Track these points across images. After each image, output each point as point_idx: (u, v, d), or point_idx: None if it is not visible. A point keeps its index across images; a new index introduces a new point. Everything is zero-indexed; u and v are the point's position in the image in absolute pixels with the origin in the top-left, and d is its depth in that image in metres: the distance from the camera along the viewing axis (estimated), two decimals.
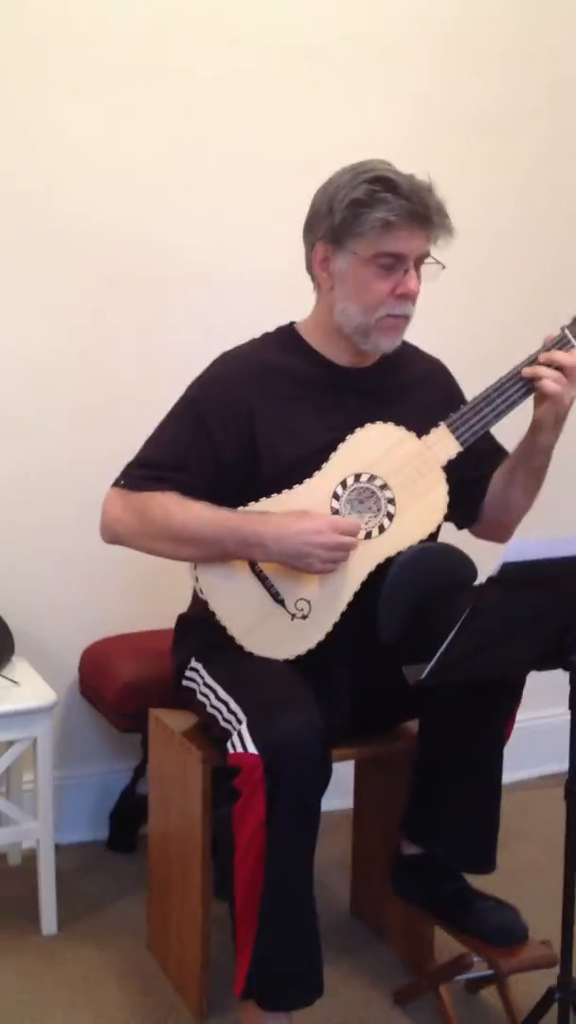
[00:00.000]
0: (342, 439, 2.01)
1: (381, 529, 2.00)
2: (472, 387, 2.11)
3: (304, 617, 1.98)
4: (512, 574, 1.59)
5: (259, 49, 2.71)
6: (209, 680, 2.02)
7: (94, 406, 2.67)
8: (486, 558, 1.77)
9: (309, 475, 1.99)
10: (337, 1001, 2.15)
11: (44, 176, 2.58)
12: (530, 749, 2.86)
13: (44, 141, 2.57)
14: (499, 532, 2.20)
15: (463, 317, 2.93)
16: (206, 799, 2.07)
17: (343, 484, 1.99)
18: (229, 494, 1.99)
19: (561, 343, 2.03)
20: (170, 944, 2.25)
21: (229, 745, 1.86)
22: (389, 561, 1.98)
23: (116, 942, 2.37)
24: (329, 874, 2.57)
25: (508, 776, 2.11)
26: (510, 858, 2.29)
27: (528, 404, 2.05)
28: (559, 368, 1.99)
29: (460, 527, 2.21)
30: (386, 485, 2.00)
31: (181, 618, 2.20)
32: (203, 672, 2.05)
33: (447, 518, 2.07)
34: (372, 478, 2.00)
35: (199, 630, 2.08)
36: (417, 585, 1.98)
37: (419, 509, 2.01)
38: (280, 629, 1.98)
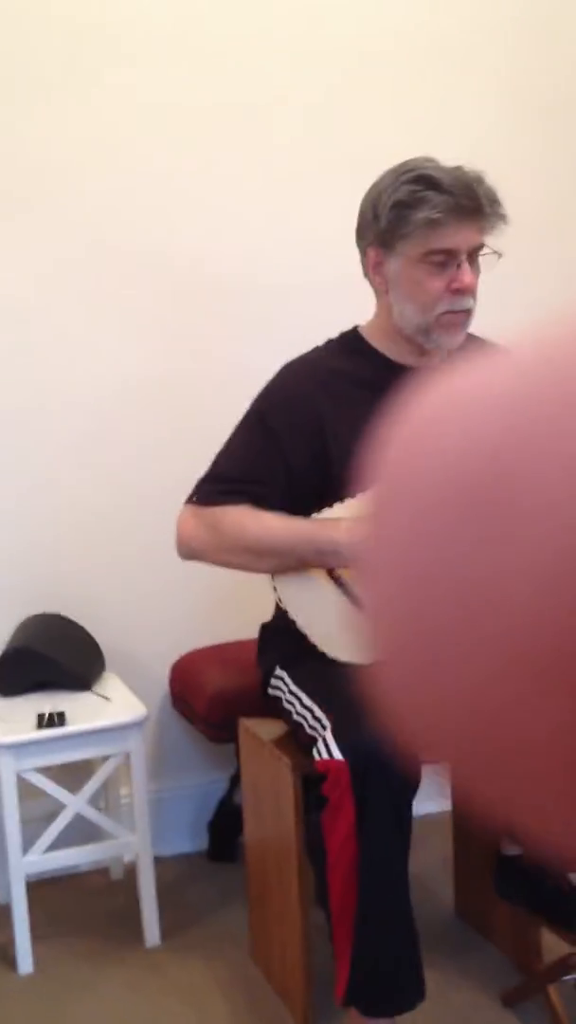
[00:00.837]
0: None
1: None
2: None
3: None
4: None
5: (331, 52, 2.71)
6: (293, 687, 2.02)
7: (171, 422, 2.69)
8: None
9: None
10: (444, 1004, 2.13)
11: (115, 194, 2.61)
12: None
13: (114, 156, 2.60)
14: None
15: (526, 303, 2.89)
16: (298, 807, 2.06)
17: None
18: (302, 502, 1.99)
19: None
20: (272, 952, 2.25)
21: (315, 751, 1.86)
22: None
23: (219, 951, 2.38)
24: (433, 876, 2.55)
25: None
26: None
27: None
28: None
29: None
30: None
31: (264, 627, 2.20)
32: (287, 679, 2.05)
33: None
34: None
35: (282, 638, 2.08)
36: None
37: None
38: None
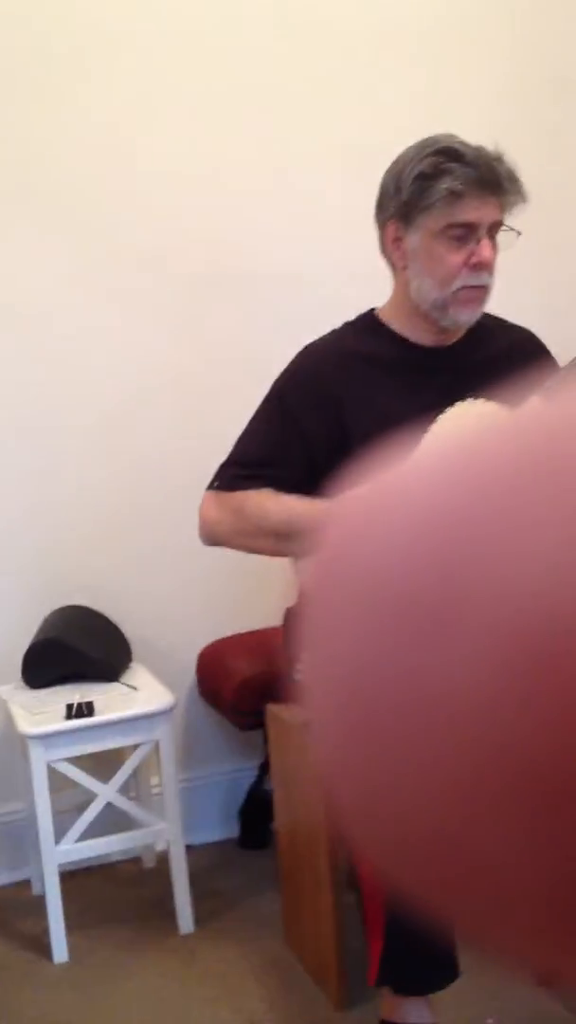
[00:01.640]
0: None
1: None
2: (567, 357, 2.07)
3: None
4: None
5: (341, 38, 2.71)
6: None
7: (189, 411, 2.70)
8: None
9: None
10: (478, 982, 2.13)
11: (120, 189, 2.62)
12: None
13: (120, 151, 2.61)
14: None
15: (554, 285, 2.88)
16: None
17: None
18: (323, 485, 1.99)
19: None
20: (306, 937, 2.26)
21: None
22: None
23: (253, 937, 2.39)
24: None
25: None
26: None
27: None
28: None
29: None
30: None
31: (289, 611, 2.21)
32: None
33: None
34: None
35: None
36: None
37: None
38: None
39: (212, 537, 2.07)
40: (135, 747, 2.40)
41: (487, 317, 2.07)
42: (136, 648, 2.61)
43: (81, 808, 2.40)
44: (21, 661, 2.51)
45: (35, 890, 2.60)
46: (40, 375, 2.63)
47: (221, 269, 2.69)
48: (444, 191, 1.90)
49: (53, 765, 2.32)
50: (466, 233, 1.93)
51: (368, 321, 2.10)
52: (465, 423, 1.98)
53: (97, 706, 2.36)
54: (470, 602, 0.32)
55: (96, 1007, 2.20)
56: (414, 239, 1.97)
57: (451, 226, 1.93)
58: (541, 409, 0.37)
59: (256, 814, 2.76)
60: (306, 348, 2.09)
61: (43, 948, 2.39)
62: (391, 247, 2.02)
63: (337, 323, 2.12)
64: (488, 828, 0.33)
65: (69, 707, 2.34)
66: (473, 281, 1.96)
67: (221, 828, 2.81)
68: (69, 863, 2.41)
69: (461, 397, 1.99)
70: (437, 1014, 1.90)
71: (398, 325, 2.07)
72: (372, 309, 2.12)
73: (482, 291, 1.99)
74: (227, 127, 2.66)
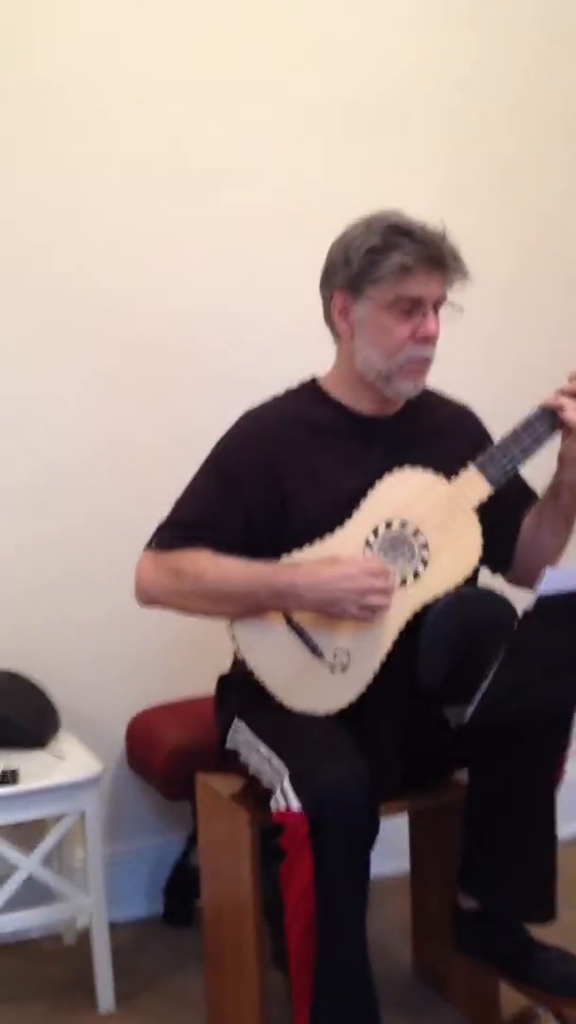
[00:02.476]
0: (371, 487, 2.00)
1: (416, 575, 1.98)
2: (500, 429, 2.11)
3: (343, 669, 1.96)
4: (548, 606, 1.57)
5: (286, 108, 2.77)
6: (251, 737, 2.00)
7: (125, 472, 2.69)
8: (525, 598, 1.75)
9: (340, 525, 1.98)
10: None
11: (70, 250, 2.63)
12: None
13: (76, 209, 2.63)
14: (531, 578, 2.14)
15: (489, 361, 2.94)
16: (255, 862, 2.03)
17: (375, 532, 1.98)
18: (261, 549, 1.99)
19: None
20: (228, 1016, 2.20)
21: (272, 802, 1.84)
22: (426, 607, 1.97)
23: (175, 1017, 2.32)
24: (390, 938, 2.51)
25: (566, 828, 2.06)
26: (573, 910, 2.23)
27: (557, 444, 2.04)
28: None
29: (493, 572, 2.19)
30: (418, 531, 1.99)
31: (222, 679, 2.19)
32: (245, 730, 2.03)
33: (480, 562, 2.05)
34: (404, 524, 1.99)
35: (240, 689, 2.06)
36: (456, 630, 1.95)
37: (454, 553, 2.00)
38: (319, 682, 1.96)
39: (148, 597, 2.06)
40: (59, 817, 2.35)
41: (426, 391, 2.11)
42: (65, 715, 2.56)
43: (1, 880, 2.33)
44: None
45: None
46: None
47: (163, 334, 2.70)
48: (395, 265, 1.95)
49: None
50: (413, 307, 1.98)
51: (310, 388, 2.13)
52: (401, 492, 2.00)
53: (22, 774, 2.30)
54: None
55: None
56: (362, 310, 2.01)
57: (399, 299, 1.98)
58: None
59: (181, 889, 2.69)
60: (247, 413, 2.11)
61: None
62: (338, 317, 2.05)
63: (278, 389, 2.15)
64: None
65: None
66: (418, 353, 2.01)
67: (145, 904, 2.74)
68: None
69: (398, 466, 2.02)
70: None
71: (340, 393, 2.10)
72: (314, 377, 2.14)
73: (425, 363, 2.04)
74: (173, 196, 2.69)
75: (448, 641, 1.95)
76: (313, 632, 1.95)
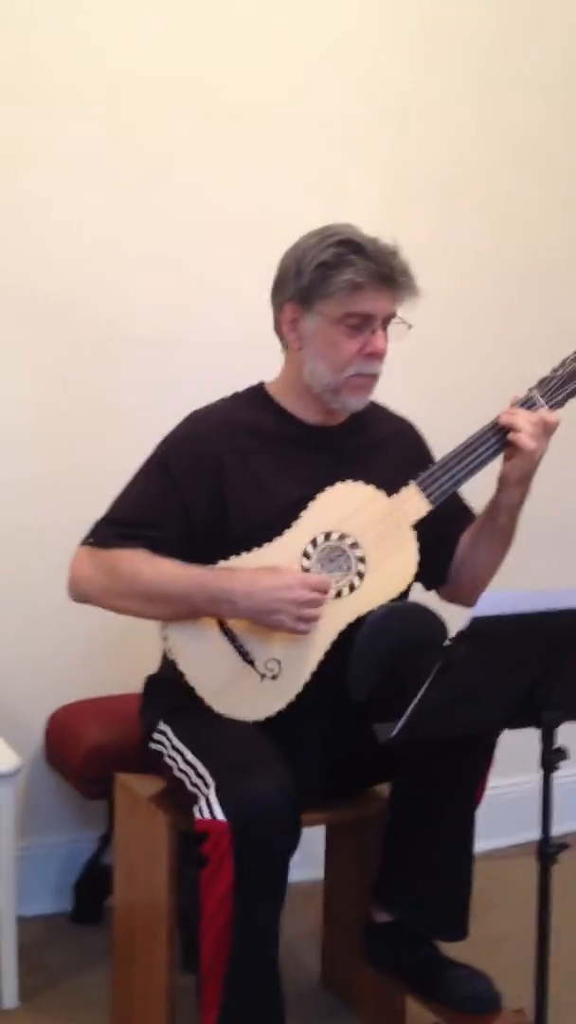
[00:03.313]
0: (312, 497, 2.00)
1: (352, 588, 1.99)
2: (441, 448, 2.12)
3: (274, 677, 1.96)
4: (482, 628, 1.58)
5: (231, 115, 2.75)
6: (177, 743, 1.99)
7: (60, 467, 2.66)
8: (458, 616, 1.76)
9: (279, 533, 1.98)
10: None
11: (9, 240, 2.59)
12: (504, 817, 2.82)
13: (10, 205, 2.59)
14: (465, 595, 2.18)
15: (433, 378, 2.96)
16: (172, 866, 2.03)
17: (313, 543, 1.98)
18: (199, 552, 1.98)
19: (528, 404, 2.04)
20: (135, 1017, 2.18)
21: (196, 811, 1.83)
22: (359, 620, 1.97)
23: (79, 1016, 2.30)
24: (300, 945, 2.52)
25: (482, 845, 2.09)
26: (484, 927, 2.25)
27: (495, 466, 2.06)
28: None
29: (428, 588, 2.21)
30: (356, 544, 2.00)
31: (150, 679, 2.17)
32: (171, 734, 2.02)
33: (416, 578, 2.06)
34: (342, 537, 1.99)
35: (168, 691, 2.05)
36: (387, 644, 1.96)
37: (389, 568, 2.01)
38: (249, 690, 1.95)
39: (80, 593, 2.03)
40: None
41: (371, 404, 2.12)
42: None
43: None
44: None
45: None
46: None
47: (106, 332, 2.67)
48: (346, 282, 1.95)
49: None
50: (362, 323, 1.99)
51: (256, 394, 2.13)
52: (341, 504, 2.01)
53: None
54: None
55: None
56: (311, 323, 2.01)
57: (349, 315, 1.98)
58: None
59: (92, 888, 2.67)
60: (192, 414, 2.10)
61: None
62: (287, 327, 2.05)
63: (222, 391, 2.14)
64: None
65: None
66: (365, 369, 2.02)
67: (54, 900, 2.71)
68: None
69: (340, 478, 2.02)
70: None
71: (286, 401, 2.10)
72: (261, 383, 2.14)
73: (372, 379, 2.05)
74: (125, 191, 2.67)
75: (379, 655, 1.96)
76: (246, 639, 1.95)
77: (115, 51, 2.64)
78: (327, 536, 1.99)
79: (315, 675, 1.96)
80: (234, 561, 1.96)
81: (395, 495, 2.03)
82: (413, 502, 2.02)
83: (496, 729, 1.95)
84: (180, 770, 1.95)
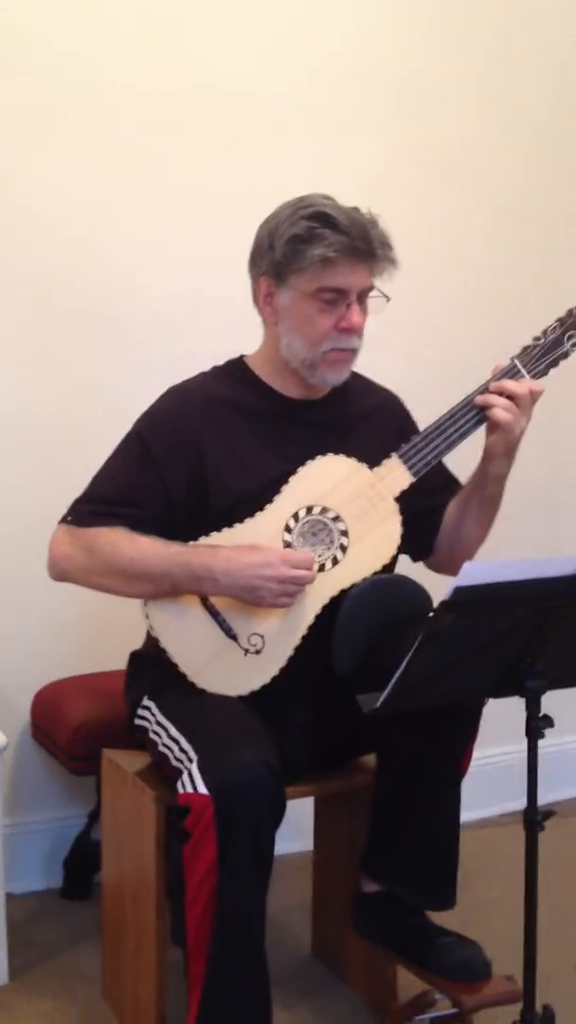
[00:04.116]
0: (293, 471, 1.99)
1: (335, 562, 1.98)
2: (424, 418, 2.11)
3: (257, 652, 1.95)
4: (465, 598, 1.58)
5: (220, 95, 2.73)
6: (161, 718, 1.99)
7: (43, 445, 2.65)
8: (442, 589, 1.76)
9: (260, 508, 1.97)
10: None
11: (7, 217, 2.57)
12: (491, 786, 2.84)
13: (12, 180, 2.57)
14: (454, 564, 2.17)
15: (420, 350, 2.95)
16: (159, 840, 2.03)
17: (295, 517, 1.98)
18: (179, 528, 1.97)
19: (511, 373, 2.04)
20: (125, 991, 2.19)
21: (179, 784, 1.83)
22: (343, 593, 1.97)
23: (70, 991, 2.31)
24: (290, 916, 2.53)
25: (469, 814, 2.10)
26: (473, 896, 2.27)
27: (481, 434, 2.05)
28: (509, 397, 2.00)
29: (415, 559, 2.20)
30: (339, 517, 1.99)
31: (134, 655, 2.17)
32: (155, 710, 2.02)
33: (402, 550, 2.06)
34: (324, 510, 1.99)
35: (152, 667, 2.05)
36: (371, 616, 1.96)
37: (372, 541, 2.00)
38: (233, 665, 1.95)
39: (60, 572, 2.02)
40: None
41: (353, 376, 2.10)
42: None
43: None
44: None
45: None
46: None
47: (86, 308, 2.65)
48: (316, 257, 1.92)
49: None
50: (337, 297, 1.97)
51: (236, 367, 2.11)
52: (323, 477, 2.00)
53: None
54: None
55: None
56: (286, 297, 1.99)
57: (322, 290, 1.96)
58: None
59: (81, 864, 2.67)
60: (170, 389, 2.08)
61: None
62: (263, 301, 2.04)
63: (203, 366, 2.12)
64: None
65: None
66: (342, 344, 2.00)
67: (44, 877, 2.72)
68: None
69: (321, 451, 2.01)
70: None
71: (265, 375, 2.08)
72: (242, 356, 2.12)
73: (350, 353, 2.03)
74: (108, 169, 2.64)
75: (363, 627, 1.96)
76: (228, 615, 1.94)
77: (107, 37, 2.62)
78: (309, 510, 1.98)
79: (299, 649, 1.95)
80: (215, 537, 1.95)
81: (377, 468, 2.02)
82: (395, 474, 2.01)
83: (481, 699, 1.95)
84: (164, 745, 1.95)
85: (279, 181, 2.16)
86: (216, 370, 2.12)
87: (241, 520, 1.96)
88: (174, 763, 1.90)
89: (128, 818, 2.14)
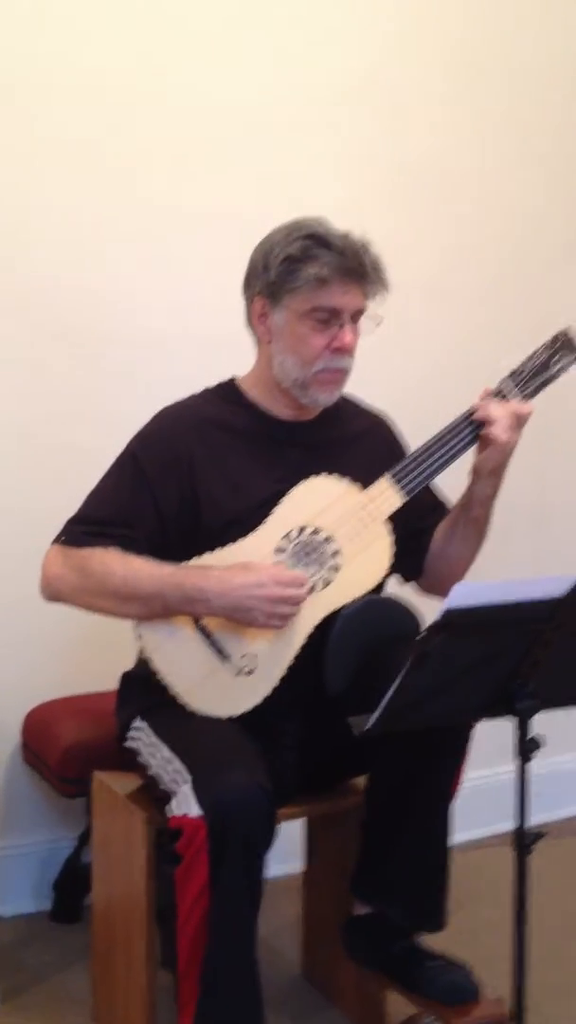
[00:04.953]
0: (284, 492, 2.00)
1: (326, 583, 1.99)
2: (416, 438, 2.12)
3: (249, 673, 1.96)
4: (455, 619, 1.59)
5: (211, 112, 2.75)
6: (153, 738, 1.99)
7: (34, 462, 2.65)
8: (435, 608, 1.76)
9: (252, 529, 1.98)
10: None
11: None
12: (481, 808, 2.84)
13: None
14: (442, 586, 2.18)
15: (409, 368, 2.96)
16: (150, 863, 2.02)
17: (287, 538, 1.99)
18: (172, 549, 1.98)
19: (500, 395, 2.05)
20: (115, 1014, 2.18)
21: (171, 806, 1.83)
22: (334, 615, 1.97)
23: (60, 1014, 2.30)
24: (280, 938, 2.52)
25: (460, 836, 2.09)
26: (463, 917, 2.26)
27: (470, 456, 2.07)
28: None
29: (405, 580, 2.21)
30: (330, 538, 2.00)
31: (126, 676, 2.17)
32: (147, 730, 2.02)
33: (392, 571, 2.07)
34: (316, 531, 1.99)
35: (144, 688, 2.05)
36: (362, 637, 1.97)
37: (363, 562, 2.01)
38: (225, 686, 1.95)
39: (53, 592, 2.03)
40: None
41: (344, 399, 2.12)
42: None
43: None
44: None
45: None
46: None
47: (78, 329, 2.66)
48: (311, 276, 1.95)
49: None
50: (330, 317, 1.99)
51: (228, 389, 2.12)
52: (314, 498, 2.01)
53: None
54: None
55: None
56: (279, 317, 2.01)
57: (316, 309, 1.98)
58: None
59: (71, 887, 2.66)
60: (162, 411, 2.09)
61: None
62: (256, 321, 2.06)
63: (195, 388, 2.13)
64: None
65: None
66: (334, 364, 2.02)
67: (33, 900, 2.70)
68: None
69: (313, 472, 2.02)
70: None
71: (257, 396, 2.10)
72: (233, 378, 2.14)
73: (341, 374, 2.04)
74: (102, 189, 2.66)
75: (354, 648, 1.97)
76: (220, 636, 1.95)
77: (93, 45, 2.63)
78: (300, 531, 1.99)
79: (290, 670, 1.96)
80: (207, 558, 1.96)
81: (368, 489, 2.03)
82: (387, 495, 2.02)
83: (471, 720, 1.96)
84: (157, 766, 1.95)
85: (274, 203, 2.19)
86: (208, 392, 2.13)
87: (233, 541, 1.97)
88: (165, 785, 1.90)
89: (119, 840, 2.14)
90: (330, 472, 2.03)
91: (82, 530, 2.01)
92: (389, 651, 1.90)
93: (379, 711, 1.66)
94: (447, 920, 2.04)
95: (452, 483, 2.13)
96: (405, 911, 2.03)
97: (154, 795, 1.98)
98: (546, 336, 2.08)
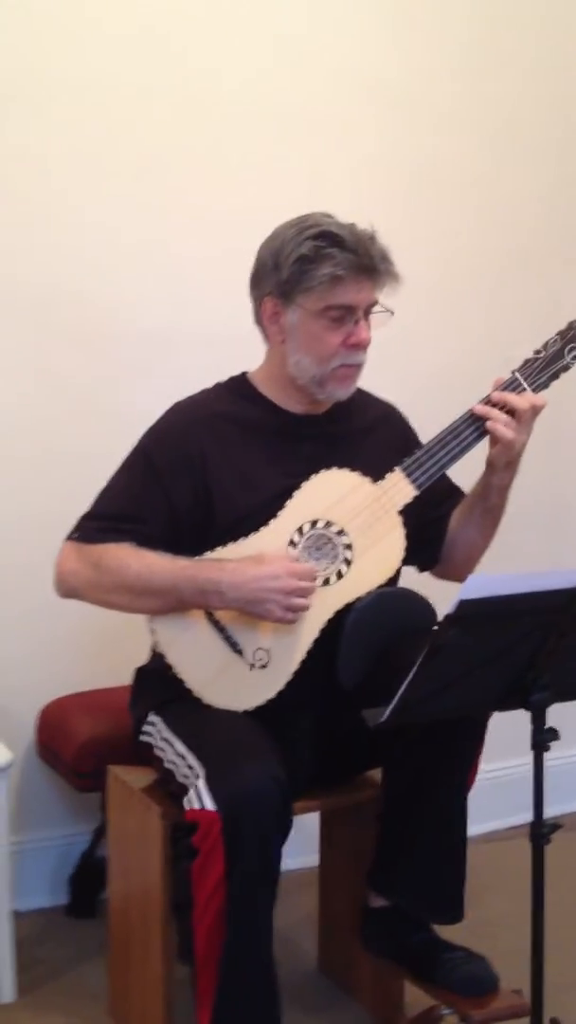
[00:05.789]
0: (297, 486, 2.00)
1: (339, 575, 1.98)
2: (427, 432, 2.12)
3: (263, 666, 1.96)
4: (469, 611, 1.59)
5: (216, 110, 2.74)
6: (167, 733, 1.99)
7: (47, 461, 2.65)
8: (446, 601, 1.76)
9: (264, 523, 1.98)
10: None
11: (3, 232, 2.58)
12: (498, 800, 2.83)
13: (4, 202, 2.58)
14: (459, 573, 2.18)
15: (420, 362, 2.95)
16: (165, 856, 2.02)
17: (299, 531, 1.98)
18: (185, 544, 1.98)
19: (512, 386, 2.04)
20: (132, 1008, 2.19)
21: (186, 801, 1.83)
22: (348, 607, 1.97)
23: (77, 1008, 2.30)
24: (297, 932, 2.52)
25: (477, 828, 2.09)
26: (481, 909, 2.26)
27: (485, 444, 2.06)
28: (510, 412, 2.00)
29: (422, 570, 2.21)
30: (343, 531, 1.99)
31: (139, 671, 2.17)
32: (161, 725, 2.02)
33: (407, 562, 2.06)
34: (328, 524, 1.99)
35: (158, 682, 2.05)
36: (376, 630, 1.97)
37: (376, 554, 2.01)
38: (239, 679, 1.95)
39: (68, 588, 2.03)
40: None
41: (356, 390, 2.11)
42: None
43: None
44: None
45: None
46: None
47: (91, 326, 2.66)
48: (325, 276, 1.94)
49: None
50: (344, 314, 1.98)
51: (240, 384, 2.12)
52: (327, 492, 2.00)
53: None
54: None
55: None
56: (293, 317, 2.00)
57: (330, 308, 1.97)
58: None
59: (87, 881, 2.67)
60: (175, 406, 2.09)
61: None
62: (268, 321, 2.04)
63: (204, 385, 2.13)
64: None
65: None
66: (350, 360, 2.01)
67: (50, 894, 2.71)
68: None
69: (325, 466, 2.02)
70: None
71: (269, 391, 2.09)
72: (244, 373, 2.13)
73: (357, 368, 2.04)
74: (113, 184, 2.66)
75: (368, 641, 1.96)
76: (234, 629, 1.94)
77: (93, 45, 2.62)
78: (313, 524, 1.99)
79: (304, 663, 1.96)
80: (220, 552, 1.96)
81: (381, 481, 2.02)
82: (399, 488, 2.02)
83: (486, 711, 1.95)
84: (170, 760, 1.95)
85: (280, 200, 2.17)
86: (219, 386, 2.13)
87: (246, 535, 1.97)
88: (180, 779, 1.90)
89: (134, 835, 2.14)
90: (346, 464, 2.02)
91: (95, 526, 2.01)
92: (403, 643, 1.89)
93: (393, 704, 1.66)
94: (464, 912, 2.04)
95: (466, 470, 2.12)
96: (422, 904, 2.03)
97: (169, 789, 1.98)
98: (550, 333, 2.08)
